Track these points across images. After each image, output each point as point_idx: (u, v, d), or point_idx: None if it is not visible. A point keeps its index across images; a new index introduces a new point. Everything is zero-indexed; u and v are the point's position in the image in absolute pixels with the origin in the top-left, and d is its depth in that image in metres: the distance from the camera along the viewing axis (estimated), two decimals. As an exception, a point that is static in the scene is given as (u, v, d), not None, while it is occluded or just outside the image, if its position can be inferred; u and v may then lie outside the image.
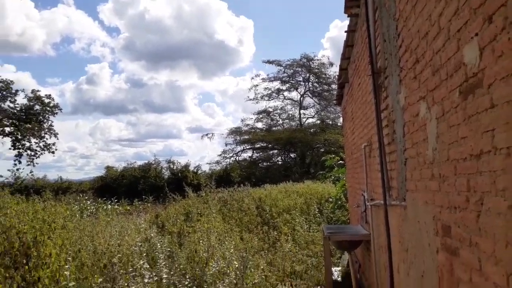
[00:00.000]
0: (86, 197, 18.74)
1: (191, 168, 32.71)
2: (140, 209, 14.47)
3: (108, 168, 34.38)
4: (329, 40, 63.21)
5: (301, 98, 37.53)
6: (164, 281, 5.39)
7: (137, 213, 15.72)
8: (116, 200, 19.76)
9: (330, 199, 13.25)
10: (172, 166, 33.17)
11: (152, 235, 7.27)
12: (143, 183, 30.86)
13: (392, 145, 3.88)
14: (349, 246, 6.32)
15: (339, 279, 7.59)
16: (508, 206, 1.58)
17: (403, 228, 3.54)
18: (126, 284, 4.92)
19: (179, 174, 31.47)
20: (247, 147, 36.43)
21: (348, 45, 6.62)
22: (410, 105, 3.16)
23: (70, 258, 4.57)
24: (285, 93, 37.72)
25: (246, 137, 35.84)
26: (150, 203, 18.87)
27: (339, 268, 8.40)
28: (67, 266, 4.24)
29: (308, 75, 36.69)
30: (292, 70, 36.57)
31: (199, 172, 33.01)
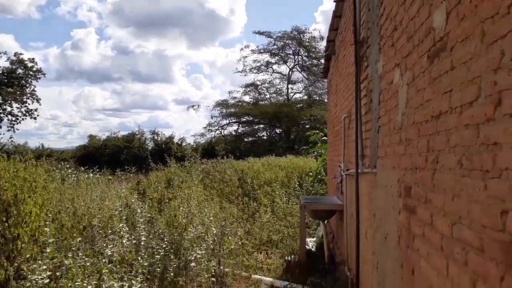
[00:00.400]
0: (68, 165, 18.59)
1: (176, 140, 32.62)
2: (122, 179, 14.43)
3: (91, 137, 34.04)
4: (322, 14, 62.30)
5: (290, 72, 37.36)
6: (143, 243, 5.50)
7: (119, 182, 15.75)
8: (98, 170, 19.66)
9: (311, 173, 13.47)
10: (156, 138, 33.02)
11: (132, 200, 7.34)
12: (126, 153, 30.66)
13: (369, 114, 3.97)
14: (324, 215, 6.52)
15: (313, 249, 7.85)
16: (457, 160, 1.68)
17: (373, 195, 3.68)
18: (104, 245, 5.00)
19: (163, 146, 31.35)
20: (233, 121, 36.38)
21: (337, 15, 6.60)
22: (386, 73, 3.23)
23: (50, 218, 4.61)
24: (274, 67, 37.48)
25: (232, 110, 35.73)
26: (132, 173, 18.84)
27: (314, 239, 8.67)
28: (47, 223, 4.28)
29: (298, 48, 36.43)
30: (282, 43, 36.24)
31: (184, 144, 32.94)
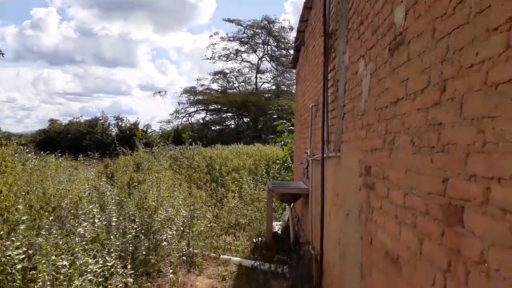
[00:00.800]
0: (27, 150, 17.96)
1: (141, 126, 32.09)
2: (86, 165, 14.16)
3: (52, 121, 32.89)
4: (291, 4, 62.48)
5: (259, 62, 37.49)
6: (114, 224, 5.57)
7: (84, 167, 15.44)
8: (60, 155, 19.12)
9: (278, 161, 13.82)
10: (120, 123, 32.35)
11: (101, 183, 7.33)
12: (88, 138, 29.89)
13: (335, 102, 4.25)
14: (290, 199, 6.83)
15: (279, 232, 8.19)
16: (410, 140, 1.96)
17: (337, 176, 3.97)
18: (76, 225, 5.05)
19: (128, 132, 30.77)
20: (201, 108, 36.18)
21: (307, 7, 6.82)
22: (352, 63, 3.49)
23: (19, 198, 4.60)
24: (243, 55, 37.46)
25: (200, 97, 35.49)
26: (96, 159, 18.49)
27: (280, 223, 9.01)
28: (19, 201, 4.28)
29: (267, 38, 36.55)
30: (252, 31, 36.23)
31: (149, 131, 32.48)
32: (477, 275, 1.30)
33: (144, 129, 32.22)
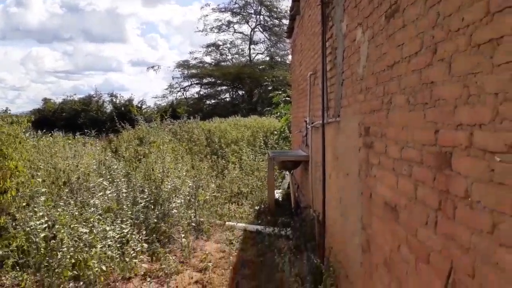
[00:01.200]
0: (24, 130, 18.10)
1: (135, 103, 32.03)
2: (86, 142, 14.35)
3: (45, 100, 32.73)
4: (282, -28, 60.85)
5: (252, 33, 37.07)
6: (124, 195, 5.83)
7: (83, 144, 15.61)
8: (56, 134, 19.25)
9: (275, 132, 14.05)
10: (114, 100, 32.27)
11: (106, 158, 7.55)
12: (83, 116, 29.91)
13: (333, 70, 4.43)
14: (291, 166, 7.11)
15: (280, 199, 8.53)
16: (406, 99, 2.17)
17: (336, 140, 4.21)
18: (90, 196, 5.29)
19: (123, 109, 30.72)
20: (195, 82, 36.02)
21: (302, -24, 6.88)
22: (350, 31, 3.66)
23: (35, 172, 4.81)
24: (236, 26, 37.00)
25: (194, 71, 35.28)
26: (93, 136, 18.66)
27: (280, 191, 9.35)
28: (38, 174, 4.50)
29: (259, 7, 36.03)
30: (243, 1, 35.66)
31: (144, 107, 32.45)
32: (462, 208, 1.55)
33: (139, 105, 32.19)
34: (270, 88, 32.60)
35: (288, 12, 9.86)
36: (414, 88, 2.06)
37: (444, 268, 1.68)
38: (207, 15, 36.38)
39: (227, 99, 37.08)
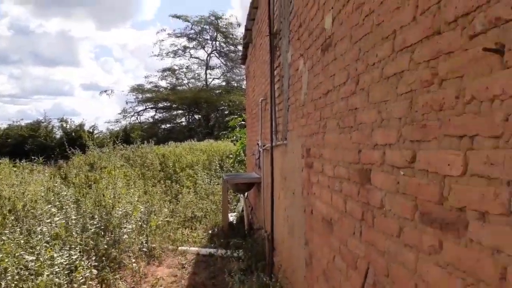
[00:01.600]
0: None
1: (87, 127, 31.08)
2: (34, 169, 13.73)
3: (-12, 126, 30.90)
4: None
5: (208, 58, 37.58)
6: (74, 221, 5.68)
7: (30, 171, 14.91)
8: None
9: (231, 155, 14.22)
10: (65, 125, 31.13)
11: (55, 184, 7.32)
12: (31, 142, 28.51)
13: (281, 96, 4.71)
14: (244, 188, 7.27)
15: (234, 222, 8.62)
16: (337, 123, 2.44)
17: (284, 161, 4.45)
18: (37, 224, 5.12)
19: (73, 134, 29.67)
20: (150, 106, 35.66)
21: (254, 6, 7.25)
22: (294, 61, 3.96)
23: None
24: (192, 51, 37.39)
25: (149, 95, 34.99)
26: (40, 163, 17.85)
27: (235, 214, 9.45)
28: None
29: (215, 34, 36.71)
30: (200, 27, 36.20)
31: (96, 132, 31.54)
32: (379, 217, 1.79)
33: (91, 130, 31.23)
34: (226, 112, 32.98)
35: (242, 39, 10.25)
36: (343, 113, 2.33)
37: (370, 274, 1.89)
38: (163, 40, 36.75)
39: (183, 123, 36.93)
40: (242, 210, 8.74)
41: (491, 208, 1.06)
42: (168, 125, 36.52)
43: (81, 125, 31.07)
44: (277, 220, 4.66)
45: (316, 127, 2.97)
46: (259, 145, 6.58)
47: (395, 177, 1.63)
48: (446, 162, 1.26)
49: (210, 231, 7.89)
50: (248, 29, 8.39)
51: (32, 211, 5.43)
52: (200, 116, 36.18)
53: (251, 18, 7.77)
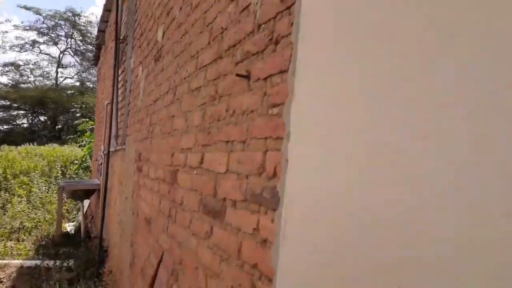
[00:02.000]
0: None
1: None
2: None
3: None
4: (100, -2, 58.52)
5: (61, 55, 34.13)
6: None
7: None
8: None
9: (76, 161, 13.20)
10: None
11: None
12: None
13: (124, 101, 4.71)
14: (82, 195, 6.88)
15: (72, 232, 8.03)
16: (160, 129, 2.63)
17: (121, 167, 4.43)
18: None
19: None
20: (-17, 105, 30.45)
21: (107, 9, 7.03)
22: (135, 67, 4.04)
23: None
24: (42, 47, 33.47)
25: (-17, 92, 29.88)
26: None
27: (73, 224, 8.80)
28: None
29: (72, 31, 33.64)
30: (53, 22, 32.69)
31: None
32: (180, 212, 2.02)
33: None
34: (78, 115, 30.30)
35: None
36: (165, 120, 2.54)
37: (170, 263, 2.10)
38: (7, 32, 32.01)
39: (25, 125, 32.50)
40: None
41: (238, 196, 1.37)
42: (5, 126, 31.64)
43: None
44: (111, 225, 4.59)
45: (146, 132, 3.11)
46: (102, 150, 6.36)
47: (191, 176, 1.88)
48: (218, 162, 1.56)
49: (41, 242, 7.17)
50: (101, 31, 8.09)
51: None
52: (46, 117, 32.41)
53: (104, 20, 7.53)
